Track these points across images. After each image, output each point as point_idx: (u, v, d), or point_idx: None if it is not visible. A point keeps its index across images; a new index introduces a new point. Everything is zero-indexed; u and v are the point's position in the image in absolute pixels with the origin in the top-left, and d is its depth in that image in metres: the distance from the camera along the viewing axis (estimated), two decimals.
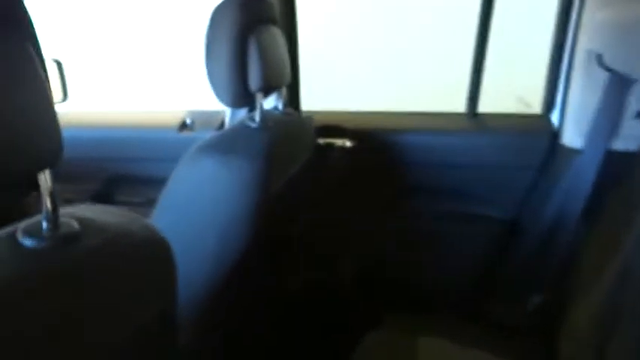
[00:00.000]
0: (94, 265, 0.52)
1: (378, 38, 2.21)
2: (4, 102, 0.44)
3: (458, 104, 1.52)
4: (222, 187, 0.95)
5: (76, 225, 0.52)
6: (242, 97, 1.04)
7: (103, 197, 1.75)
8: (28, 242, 0.48)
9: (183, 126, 1.65)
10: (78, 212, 0.55)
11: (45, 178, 0.49)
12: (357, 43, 2.26)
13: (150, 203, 1.67)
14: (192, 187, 0.97)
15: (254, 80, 1.03)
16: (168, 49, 2.73)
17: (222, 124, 1.62)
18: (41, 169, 0.48)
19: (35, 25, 0.48)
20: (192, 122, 1.66)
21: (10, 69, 0.44)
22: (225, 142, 0.99)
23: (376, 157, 1.50)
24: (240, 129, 1.04)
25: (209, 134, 1.59)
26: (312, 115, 1.39)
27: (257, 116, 1.04)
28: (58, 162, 0.50)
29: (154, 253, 0.61)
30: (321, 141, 1.46)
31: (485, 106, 1.50)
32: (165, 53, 2.75)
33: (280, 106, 1.22)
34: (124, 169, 1.73)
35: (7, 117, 0.44)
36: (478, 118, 1.49)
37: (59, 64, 1.68)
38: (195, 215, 0.97)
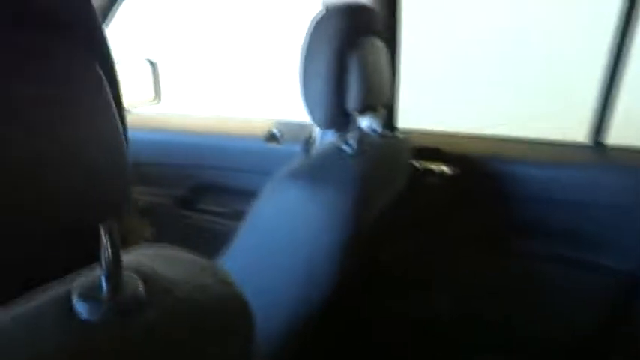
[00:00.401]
0: (160, 334, 0.43)
1: (486, 49, 2.01)
2: (62, 136, 0.35)
3: (578, 133, 1.32)
4: (312, 221, 0.85)
5: (141, 286, 0.43)
6: (338, 117, 0.94)
7: (186, 204, 1.74)
8: (83, 308, 0.39)
9: (270, 137, 1.59)
10: (142, 264, 0.46)
11: (108, 230, 0.40)
12: (462, 54, 2.07)
13: (233, 215, 1.65)
14: (279, 219, 0.88)
15: (352, 100, 0.93)
16: (258, 55, 2.71)
17: (310, 138, 1.53)
18: (104, 219, 0.40)
19: (108, 40, 0.40)
20: (280, 133, 1.58)
21: (70, 95, 0.36)
22: (316, 170, 0.89)
23: (480, 187, 1.34)
24: (333, 154, 0.93)
25: (296, 147, 1.55)
26: (408, 135, 1.26)
27: (353, 140, 0.93)
28: (125, 209, 0.41)
29: (231, 314, 0.51)
30: (418, 165, 1.32)
31: (610, 138, 1.29)
32: (256, 60, 2.73)
33: (376, 127, 1.10)
34: (208, 176, 1.70)
35: (65, 155, 0.35)
36: (603, 151, 1.29)
37: (153, 65, 1.68)
38: (280, 250, 0.88)
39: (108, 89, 0.38)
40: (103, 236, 0.40)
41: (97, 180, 0.38)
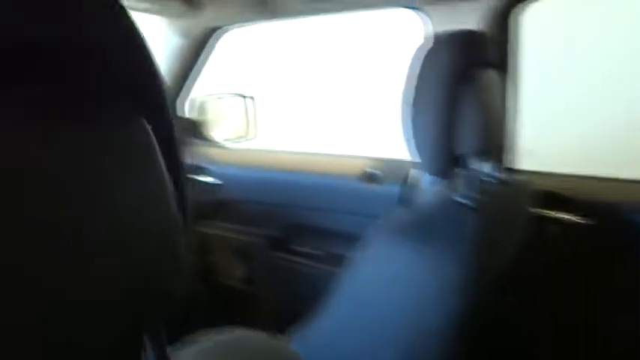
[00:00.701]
0: None
1: (622, 78, 1.74)
2: (95, 214, 0.26)
3: None
4: (422, 287, 0.71)
5: None
6: (449, 161, 0.81)
7: (279, 244, 1.67)
8: None
9: (366, 176, 1.48)
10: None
11: (153, 335, 0.31)
12: (592, 84, 1.81)
13: (327, 258, 1.56)
14: (381, 281, 0.76)
15: (466, 141, 0.80)
16: (354, 91, 2.65)
17: (410, 178, 1.40)
18: (151, 320, 0.30)
19: (164, 94, 0.31)
20: (376, 172, 1.47)
21: (112, 162, 0.27)
22: (427, 227, 0.76)
23: (613, 239, 1.12)
24: (447, 206, 0.80)
25: (395, 188, 1.43)
26: (529, 178, 1.09)
27: (467, 189, 0.79)
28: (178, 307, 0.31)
29: None
30: (541, 212, 1.14)
31: None
32: (350, 95, 2.67)
33: (492, 172, 0.94)
34: (302, 216, 1.62)
35: (99, 235, 0.26)
36: None
37: (251, 100, 1.67)
38: (382, 316, 0.75)
39: (157, 152, 0.29)
40: (145, 343, 0.31)
41: (139, 273, 0.28)
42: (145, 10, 1.31)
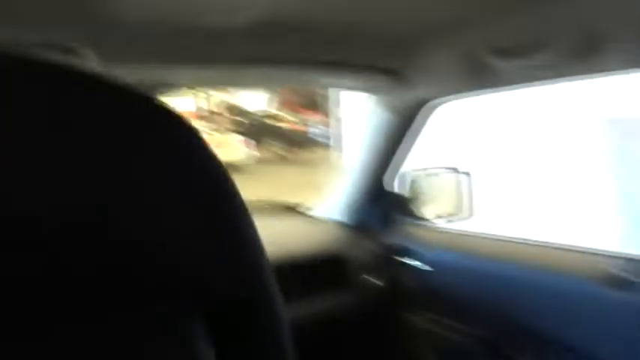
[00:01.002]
0: None
1: None
2: None
3: None
4: None
5: None
6: None
7: (490, 347, 1.42)
8: None
9: (609, 278, 1.16)
10: None
11: None
12: None
13: None
14: None
15: None
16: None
17: None
18: None
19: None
20: (624, 275, 1.14)
21: None
22: None
23: None
24: None
25: None
26: None
27: None
28: None
29: None
30: None
31: None
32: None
33: None
34: (521, 318, 1.36)
35: None
36: None
37: (466, 176, 1.55)
38: None
39: None
40: None
41: None
42: (354, 89, 1.31)
